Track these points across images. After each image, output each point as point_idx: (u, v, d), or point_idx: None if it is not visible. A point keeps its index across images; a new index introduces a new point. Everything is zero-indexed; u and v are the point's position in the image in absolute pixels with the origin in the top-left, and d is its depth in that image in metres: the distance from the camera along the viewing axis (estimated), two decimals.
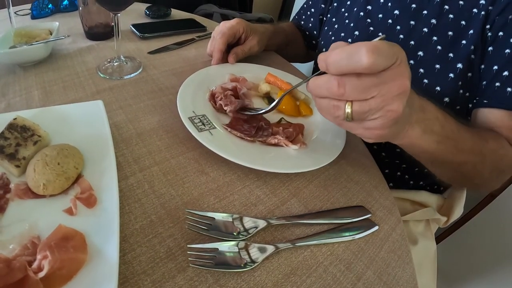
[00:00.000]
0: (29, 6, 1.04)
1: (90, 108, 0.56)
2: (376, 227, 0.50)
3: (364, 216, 0.51)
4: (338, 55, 0.37)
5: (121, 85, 0.71)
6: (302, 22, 1.12)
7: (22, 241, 0.38)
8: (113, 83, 0.71)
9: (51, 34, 0.82)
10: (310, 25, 1.09)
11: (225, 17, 1.37)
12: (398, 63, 0.38)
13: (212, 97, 0.65)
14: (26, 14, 1.04)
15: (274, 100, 0.67)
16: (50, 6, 1.05)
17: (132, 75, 0.75)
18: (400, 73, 0.39)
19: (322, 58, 0.39)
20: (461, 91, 0.74)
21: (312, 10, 1.08)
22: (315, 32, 1.08)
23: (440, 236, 1.42)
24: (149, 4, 1.10)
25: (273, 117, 0.65)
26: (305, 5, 1.12)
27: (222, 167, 0.54)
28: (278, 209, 0.50)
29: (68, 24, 0.96)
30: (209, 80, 0.69)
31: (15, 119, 0.51)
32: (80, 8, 0.87)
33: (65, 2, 1.08)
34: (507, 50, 0.68)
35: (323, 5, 1.03)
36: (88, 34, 0.90)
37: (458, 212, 0.90)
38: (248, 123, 0.58)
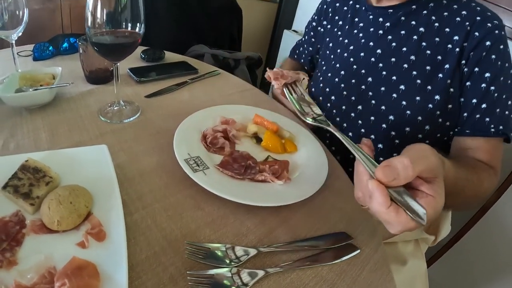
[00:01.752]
0: (30, 47, 1.10)
1: (96, 152, 0.63)
2: (358, 251, 0.56)
3: (346, 242, 0.57)
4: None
5: (121, 128, 0.77)
6: (295, 56, 1.25)
7: (39, 271, 0.44)
8: (115, 127, 0.78)
9: (54, 78, 0.89)
10: (302, 61, 1.21)
11: (216, 57, 1.46)
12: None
13: (204, 138, 0.72)
14: (28, 56, 1.10)
15: (261, 140, 0.75)
16: (50, 48, 1.11)
17: (131, 119, 0.82)
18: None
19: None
20: (440, 120, 0.82)
21: (301, 48, 1.21)
22: (306, 68, 1.20)
23: (437, 254, 1.47)
24: (144, 48, 1.18)
25: (261, 155, 0.72)
26: (297, 42, 1.25)
27: (216, 202, 0.60)
28: (267, 238, 0.56)
29: (68, 66, 1.02)
30: (202, 123, 0.77)
31: (27, 161, 0.57)
32: (81, 54, 0.94)
33: (65, 45, 1.15)
34: (483, 85, 0.77)
35: (311, 48, 1.15)
36: (88, 78, 0.96)
37: (445, 230, 0.96)
38: (237, 162, 0.66)
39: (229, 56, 1.52)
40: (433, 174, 0.44)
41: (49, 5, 2.18)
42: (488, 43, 0.76)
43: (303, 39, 1.23)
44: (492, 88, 0.77)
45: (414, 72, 0.83)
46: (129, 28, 0.70)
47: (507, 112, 0.78)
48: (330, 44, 1.03)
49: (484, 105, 0.78)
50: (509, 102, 0.79)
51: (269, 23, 2.89)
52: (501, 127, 0.77)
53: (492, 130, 0.77)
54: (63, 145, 0.69)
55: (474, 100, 0.78)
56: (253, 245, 0.54)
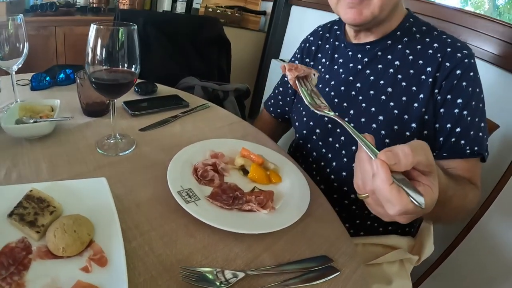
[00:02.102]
0: (28, 76, 1.17)
1: (95, 184, 0.69)
2: (338, 273, 0.62)
3: (327, 264, 0.63)
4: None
5: (118, 161, 0.83)
6: (273, 101, 1.29)
7: None
8: (111, 159, 0.83)
9: (52, 110, 0.95)
10: (281, 103, 1.26)
11: (205, 89, 1.54)
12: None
13: (195, 171, 0.79)
14: (25, 84, 1.17)
15: (248, 172, 0.82)
16: (47, 78, 1.18)
17: (127, 152, 0.87)
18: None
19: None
20: None
21: (280, 89, 1.26)
22: (286, 108, 1.24)
23: (427, 272, 1.52)
24: (138, 80, 1.24)
25: (247, 186, 0.79)
26: (276, 90, 1.30)
27: (207, 231, 0.66)
28: (254, 262, 0.62)
29: (65, 98, 1.06)
30: (193, 157, 0.84)
31: (31, 191, 0.62)
32: (78, 87, 1.00)
33: (61, 76, 1.21)
34: (456, 110, 0.83)
35: (290, 90, 1.21)
36: (85, 111, 1.03)
37: (429, 250, 1.01)
38: (226, 193, 0.72)
39: (218, 88, 1.59)
40: (429, 168, 0.48)
41: (44, 32, 2.27)
42: (458, 71, 0.83)
43: (280, 89, 1.27)
44: (465, 112, 0.83)
45: (391, 103, 0.89)
46: (126, 67, 0.77)
47: (480, 134, 0.84)
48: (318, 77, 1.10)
49: (458, 129, 0.83)
50: (482, 124, 0.85)
51: (258, 52, 2.99)
52: (476, 148, 0.83)
53: (468, 151, 0.83)
54: (63, 176, 0.74)
55: (449, 125, 0.84)
56: (241, 269, 0.59)
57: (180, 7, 2.74)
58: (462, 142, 0.84)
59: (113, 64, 0.76)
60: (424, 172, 0.49)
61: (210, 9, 2.78)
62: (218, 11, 2.80)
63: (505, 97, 1.37)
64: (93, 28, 0.72)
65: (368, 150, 0.51)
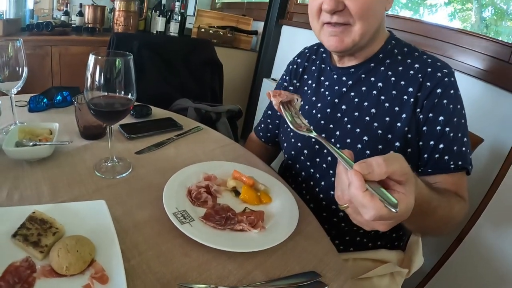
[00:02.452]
0: (25, 97, 1.21)
1: (95, 206, 0.73)
2: (326, 287, 0.66)
3: (315, 279, 0.67)
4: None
5: (116, 183, 0.87)
6: (263, 125, 1.34)
7: None
8: (109, 182, 0.87)
9: (51, 133, 0.99)
10: (270, 126, 1.30)
11: (198, 111, 1.59)
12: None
13: (189, 193, 0.84)
14: (23, 106, 1.22)
15: (240, 193, 0.86)
16: (45, 100, 1.23)
17: (124, 174, 0.91)
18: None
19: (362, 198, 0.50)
20: None
21: (269, 112, 1.30)
22: (276, 131, 1.29)
23: (421, 283, 1.56)
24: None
25: (239, 207, 0.84)
26: (265, 114, 1.34)
27: (201, 250, 0.69)
28: (245, 278, 0.66)
29: (63, 120, 1.10)
30: (187, 180, 0.88)
31: (34, 212, 0.67)
32: (76, 111, 1.05)
33: (58, 98, 1.26)
34: (438, 127, 0.87)
35: (279, 113, 1.25)
36: (83, 134, 1.07)
37: (418, 263, 1.05)
38: (218, 214, 0.77)
39: (211, 109, 1.65)
40: (404, 178, 0.51)
41: (40, 51, 2.32)
42: (439, 90, 0.86)
43: (269, 112, 1.31)
44: (447, 129, 0.86)
45: (375, 124, 0.92)
46: (123, 94, 0.81)
47: (464, 148, 0.87)
48: (302, 102, 1.16)
49: (441, 145, 0.86)
50: (465, 139, 0.88)
51: (250, 72, 3.06)
52: (460, 163, 0.86)
53: (452, 166, 0.86)
54: (64, 198, 0.79)
55: (432, 142, 0.87)
56: (234, 285, 0.63)
57: (174, 28, 2.82)
58: (446, 157, 0.87)
59: (110, 90, 0.80)
60: (400, 182, 0.52)
61: (202, 30, 2.85)
62: (211, 31, 2.88)
63: (491, 111, 1.42)
64: (92, 58, 0.77)
65: (344, 163, 0.54)
